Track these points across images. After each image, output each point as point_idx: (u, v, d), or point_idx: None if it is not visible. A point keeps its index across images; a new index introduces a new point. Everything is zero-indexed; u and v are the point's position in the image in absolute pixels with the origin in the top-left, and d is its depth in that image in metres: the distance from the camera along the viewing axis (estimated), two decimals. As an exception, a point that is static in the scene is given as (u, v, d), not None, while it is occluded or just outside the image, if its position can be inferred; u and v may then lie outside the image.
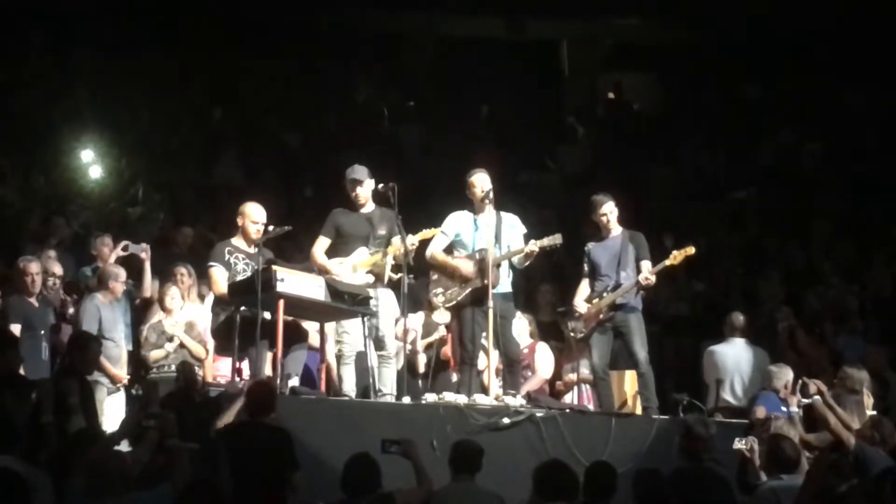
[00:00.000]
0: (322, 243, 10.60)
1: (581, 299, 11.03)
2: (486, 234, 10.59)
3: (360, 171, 10.66)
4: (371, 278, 10.48)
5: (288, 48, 19.30)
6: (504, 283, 10.64)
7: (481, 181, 10.70)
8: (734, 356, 12.37)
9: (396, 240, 10.46)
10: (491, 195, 10.61)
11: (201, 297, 12.06)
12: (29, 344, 10.72)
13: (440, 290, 10.73)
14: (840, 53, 18.52)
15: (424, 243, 10.71)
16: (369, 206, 10.63)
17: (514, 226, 10.81)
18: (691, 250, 10.97)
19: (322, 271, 10.38)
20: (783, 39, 18.88)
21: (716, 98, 19.96)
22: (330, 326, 10.63)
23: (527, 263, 10.78)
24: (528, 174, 18.89)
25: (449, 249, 10.78)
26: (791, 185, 17.72)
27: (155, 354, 11.43)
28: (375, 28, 19.81)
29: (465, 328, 10.58)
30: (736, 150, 18.96)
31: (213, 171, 18.02)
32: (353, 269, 10.45)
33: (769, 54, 19.21)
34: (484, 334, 10.55)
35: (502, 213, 10.75)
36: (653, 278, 10.80)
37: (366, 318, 10.27)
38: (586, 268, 11.12)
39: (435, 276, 10.80)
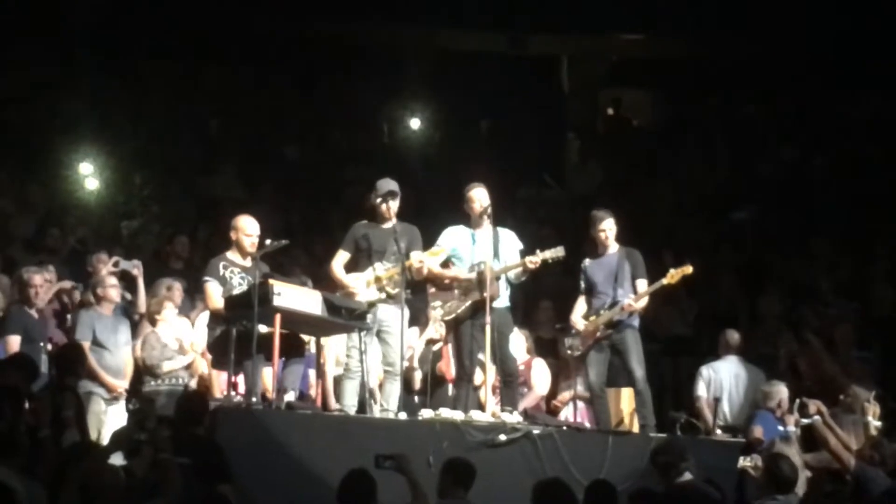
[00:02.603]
0: (342, 257, 10.58)
1: (578, 316, 11.02)
2: (484, 249, 10.57)
3: (394, 184, 10.61)
4: (381, 294, 10.42)
5: (288, 61, 19.29)
6: (502, 297, 10.61)
7: (480, 196, 10.68)
8: (729, 374, 12.29)
9: (414, 255, 10.44)
10: (489, 210, 10.59)
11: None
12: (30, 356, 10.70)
13: (439, 302, 10.72)
14: (841, 68, 18.49)
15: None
16: (393, 220, 10.60)
17: (510, 242, 10.79)
18: (688, 270, 10.93)
19: (340, 286, 10.37)
20: (783, 54, 18.86)
21: (716, 114, 19.93)
22: (339, 340, 10.60)
23: (524, 278, 10.77)
24: (527, 190, 18.88)
25: (445, 264, 10.74)
26: (792, 201, 17.69)
27: (168, 366, 11.35)
28: (376, 41, 19.78)
29: (463, 343, 10.56)
30: (736, 166, 18.94)
31: (211, 183, 17.98)
32: (366, 284, 10.40)
33: (769, 69, 19.18)
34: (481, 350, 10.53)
35: (499, 229, 10.71)
36: (637, 304, 10.78)
37: (362, 333, 10.21)
38: (583, 284, 11.11)
39: (433, 290, 10.79)
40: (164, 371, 11.29)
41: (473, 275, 10.52)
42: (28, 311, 11.11)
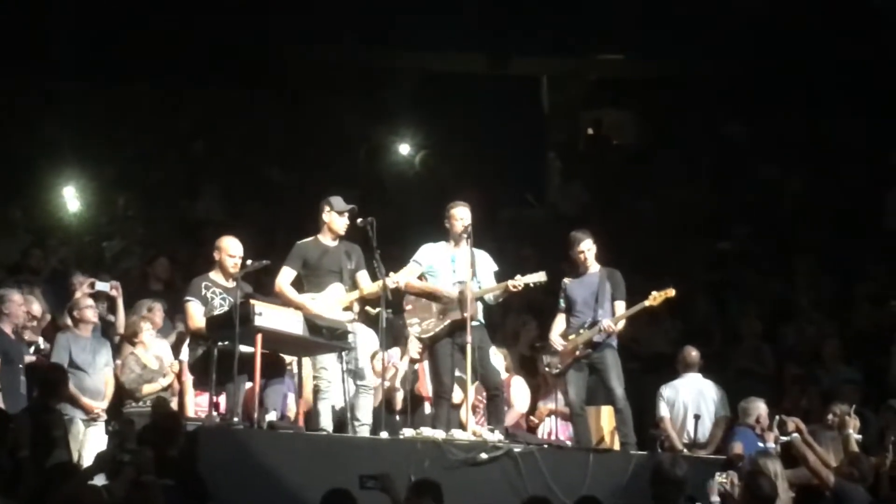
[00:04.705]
0: (288, 275, 10.51)
1: (557, 335, 11.07)
2: (463, 268, 10.60)
3: (343, 203, 10.62)
4: (350, 315, 10.47)
5: (270, 83, 19.31)
6: (478, 314, 10.66)
7: (462, 215, 10.71)
8: (691, 392, 12.18)
9: (361, 275, 10.47)
10: (469, 230, 10.62)
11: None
12: (7, 378, 10.70)
13: (416, 320, 10.72)
14: (820, 88, 18.60)
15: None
16: (337, 240, 10.62)
17: (486, 263, 10.83)
18: (671, 292, 10.99)
19: (293, 305, 10.28)
20: (764, 75, 18.96)
21: (696, 134, 20.01)
22: (307, 360, 10.64)
23: (501, 299, 10.84)
24: (509, 210, 18.93)
25: (420, 279, 10.79)
26: (773, 220, 17.78)
27: (148, 388, 11.34)
28: (358, 62, 19.84)
29: (442, 362, 10.57)
30: (717, 186, 19.02)
31: (194, 205, 17.99)
32: (329, 304, 10.40)
33: (750, 90, 19.27)
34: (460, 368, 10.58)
35: (475, 250, 10.71)
36: (617, 326, 10.85)
37: (343, 353, 10.25)
38: (563, 303, 11.16)
39: (409, 307, 10.78)
40: (144, 394, 11.30)
41: (455, 293, 10.56)
42: (6, 333, 11.05)
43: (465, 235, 10.62)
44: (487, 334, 10.83)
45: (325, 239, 10.61)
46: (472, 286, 10.52)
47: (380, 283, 10.30)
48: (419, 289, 10.72)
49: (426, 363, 11.40)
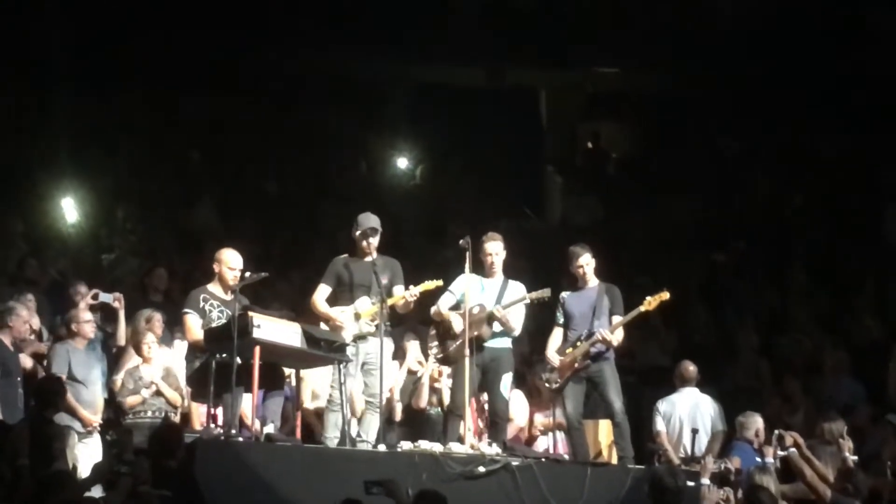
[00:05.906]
0: (323, 291, 10.65)
1: (553, 351, 11.09)
2: (489, 296, 10.83)
3: (375, 220, 10.69)
4: (373, 327, 10.50)
5: (267, 94, 19.33)
6: (500, 338, 10.83)
7: (494, 249, 10.98)
8: (687, 406, 12.12)
9: (397, 289, 10.57)
10: (500, 261, 10.89)
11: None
12: (6, 390, 10.69)
13: (436, 342, 11.00)
14: (816, 102, 18.64)
15: (425, 294, 10.79)
16: (373, 255, 10.66)
17: (517, 293, 10.96)
18: (665, 296, 11.01)
19: (324, 319, 10.45)
20: (760, 88, 19.00)
21: (693, 146, 20.05)
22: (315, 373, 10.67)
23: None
24: (507, 222, 18.92)
25: (455, 309, 10.96)
26: (769, 233, 17.80)
27: (131, 400, 11.31)
28: (354, 74, 19.87)
29: (454, 379, 10.82)
30: (714, 198, 19.05)
31: (191, 215, 17.99)
32: (355, 317, 10.48)
33: (746, 103, 19.32)
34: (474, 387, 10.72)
35: (510, 280, 10.99)
36: (612, 336, 10.87)
37: (341, 365, 10.25)
38: (561, 317, 11.18)
39: (433, 331, 11.04)
40: (127, 406, 11.26)
41: (458, 323, 10.72)
42: (6, 345, 11.03)
43: (496, 267, 10.93)
44: (510, 359, 10.95)
45: (358, 255, 10.69)
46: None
47: (398, 296, 10.49)
48: (446, 317, 10.93)
49: (425, 377, 11.72)
